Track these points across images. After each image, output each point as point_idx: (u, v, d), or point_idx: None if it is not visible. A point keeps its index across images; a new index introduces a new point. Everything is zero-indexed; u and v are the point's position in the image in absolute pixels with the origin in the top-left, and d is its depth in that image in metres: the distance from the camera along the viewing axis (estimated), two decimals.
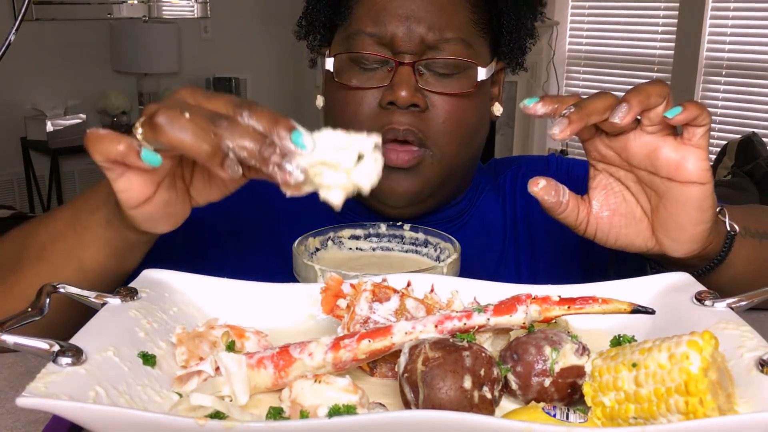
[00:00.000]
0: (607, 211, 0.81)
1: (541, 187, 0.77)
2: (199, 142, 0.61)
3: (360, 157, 0.62)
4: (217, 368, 0.62)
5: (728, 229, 0.85)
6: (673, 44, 4.62)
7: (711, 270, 0.84)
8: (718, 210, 0.84)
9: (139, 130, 0.65)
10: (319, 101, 1.06)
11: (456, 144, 0.98)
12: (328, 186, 0.62)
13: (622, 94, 0.74)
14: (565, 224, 0.81)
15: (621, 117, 0.72)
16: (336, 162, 0.61)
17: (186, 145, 0.62)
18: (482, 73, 0.98)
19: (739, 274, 0.87)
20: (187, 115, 0.63)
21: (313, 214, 0.98)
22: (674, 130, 0.77)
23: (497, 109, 1.08)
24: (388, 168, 0.96)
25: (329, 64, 1.00)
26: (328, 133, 0.62)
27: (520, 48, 1.07)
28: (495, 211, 1.13)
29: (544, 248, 1.09)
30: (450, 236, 0.92)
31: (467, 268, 0.87)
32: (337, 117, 1.00)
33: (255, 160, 0.61)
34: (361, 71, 0.98)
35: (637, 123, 0.76)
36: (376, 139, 0.62)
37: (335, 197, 0.62)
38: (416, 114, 0.95)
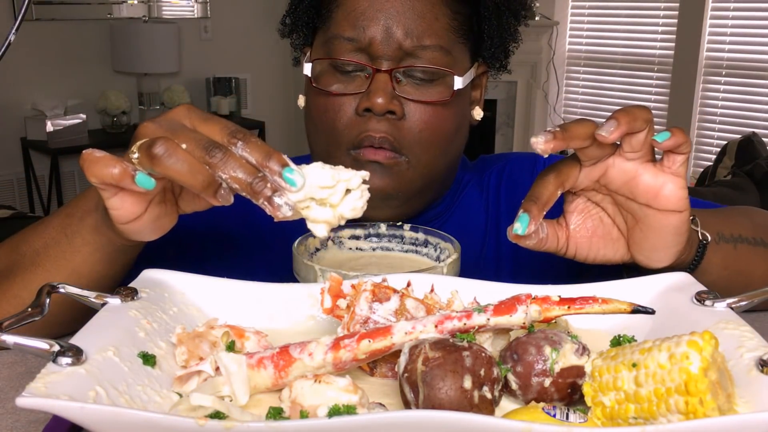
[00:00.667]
0: (586, 233, 0.82)
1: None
2: (194, 175, 0.63)
3: (347, 191, 0.65)
4: (217, 368, 0.62)
5: (700, 238, 0.85)
6: (673, 44, 4.62)
7: None
8: (690, 219, 0.84)
9: (135, 154, 0.66)
10: (301, 101, 1.06)
11: (432, 152, 0.98)
12: (315, 220, 0.65)
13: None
14: (548, 252, 0.81)
15: (609, 131, 0.71)
16: (324, 197, 0.64)
17: (182, 178, 0.64)
18: (459, 82, 0.97)
19: (714, 280, 0.87)
20: (184, 146, 0.64)
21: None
22: (653, 158, 0.78)
23: (477, 114, 1.07)
24: (364, 163, 0.96)
25: (307, 69, 1.00)
26: (317, 167, 0.64)
27: (503, 51, 1.06)
28: (477, 209, 1.12)
29: None
30: (450, 236, 0.92)
31: None
32: (316, 121, 1.00)
33: (246, 192, 0.64)
34: (339, 76, 0.97)
35: (615, 148, 0.77)
36: (363, 174, 0.65)
37: (320, 231, 0.66)
38: (392, 122, 0.95)
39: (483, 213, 1.12)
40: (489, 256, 1.10)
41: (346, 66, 0.97)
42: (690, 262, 0.85)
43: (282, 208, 0.63)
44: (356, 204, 0.65)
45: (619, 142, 0.76)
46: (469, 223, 1.11)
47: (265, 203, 0.63)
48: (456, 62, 0.98)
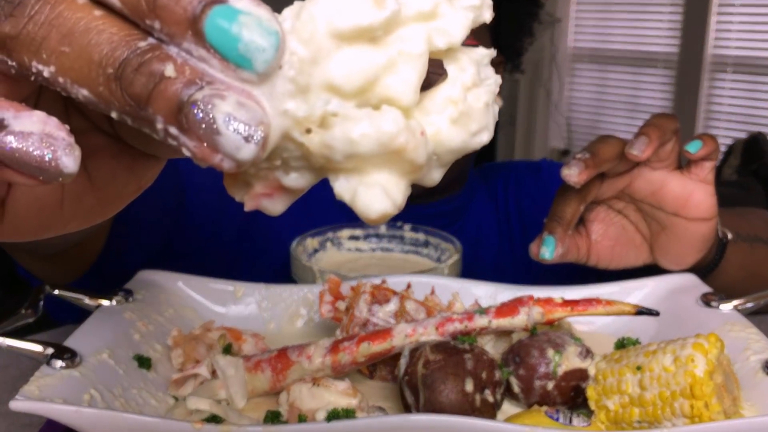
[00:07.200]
0: (608, 242, 0.80)
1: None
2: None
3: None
4: (214, 371, 0.61)
5: (720, 236, 0.84)
6: (678, 41, 4.60)
7: (702, 277, 0.83)
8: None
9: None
10: None
11: None
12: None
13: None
14: (569, 262, 0.79)
15: (641, 149, 0.69)
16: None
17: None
18: None
19: (731, 280, 0.85)
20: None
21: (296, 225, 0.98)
22: (679, 165, 0.76)
23: (497, 102, 1.07)
24: None
25: None
26: None
27: (517, 42, 1.07)
28: (489, 212, 1.12)
29: None
30: (451, 237, 0.91)
31: (466, 264, 0.86)
32: None
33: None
34: None
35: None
36: None
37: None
38: None
39: (494, 218, 1.12)
40: (505, 253, 1.09)
41: None
42: (710, 261, 0.83)
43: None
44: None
45: None
46: (485, 224, 1.11)
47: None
48: (481, 38, 0.98)
